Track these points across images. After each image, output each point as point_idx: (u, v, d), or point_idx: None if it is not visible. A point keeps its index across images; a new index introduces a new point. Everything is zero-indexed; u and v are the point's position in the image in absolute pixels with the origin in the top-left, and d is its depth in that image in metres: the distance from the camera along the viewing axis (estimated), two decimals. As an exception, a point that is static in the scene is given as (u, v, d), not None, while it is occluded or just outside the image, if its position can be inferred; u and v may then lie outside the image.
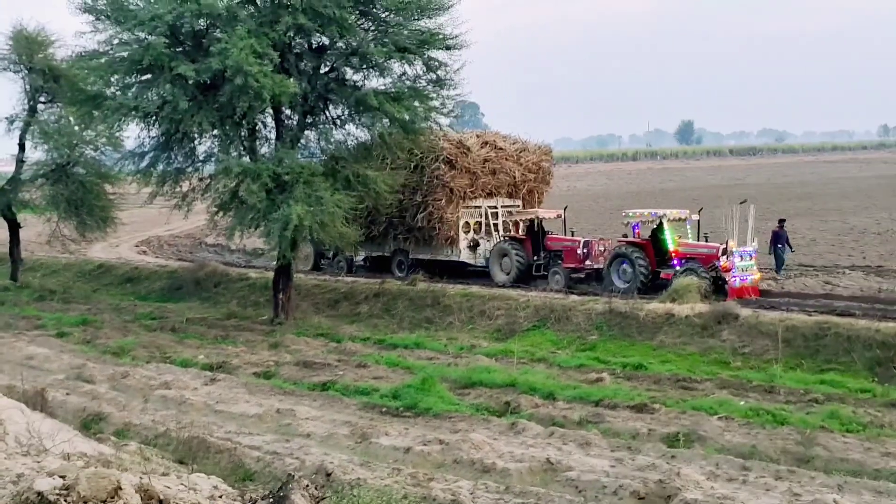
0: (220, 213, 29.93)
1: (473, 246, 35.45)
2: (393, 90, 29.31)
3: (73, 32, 29.07)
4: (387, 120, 29.34)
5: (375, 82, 29.84)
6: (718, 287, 28.58)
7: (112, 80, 28.68)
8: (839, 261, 35.28)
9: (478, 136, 36.78)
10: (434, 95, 30.19)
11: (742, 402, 19.33)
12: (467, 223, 35.38)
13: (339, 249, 37.20)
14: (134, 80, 28.74)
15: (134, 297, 37.30)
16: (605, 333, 26.19)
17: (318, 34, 28.94)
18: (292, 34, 28.39)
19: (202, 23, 28.15)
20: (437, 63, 29.71)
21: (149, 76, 28.29)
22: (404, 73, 29.74)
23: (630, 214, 31.97)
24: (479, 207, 35.48)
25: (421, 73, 29.88)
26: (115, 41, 28.39)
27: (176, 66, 26.91)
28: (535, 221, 34.35)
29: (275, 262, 30.61)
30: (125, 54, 28.03)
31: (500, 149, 36.45)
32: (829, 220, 49.58)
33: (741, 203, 30.16)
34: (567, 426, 17.96)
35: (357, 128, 30.54)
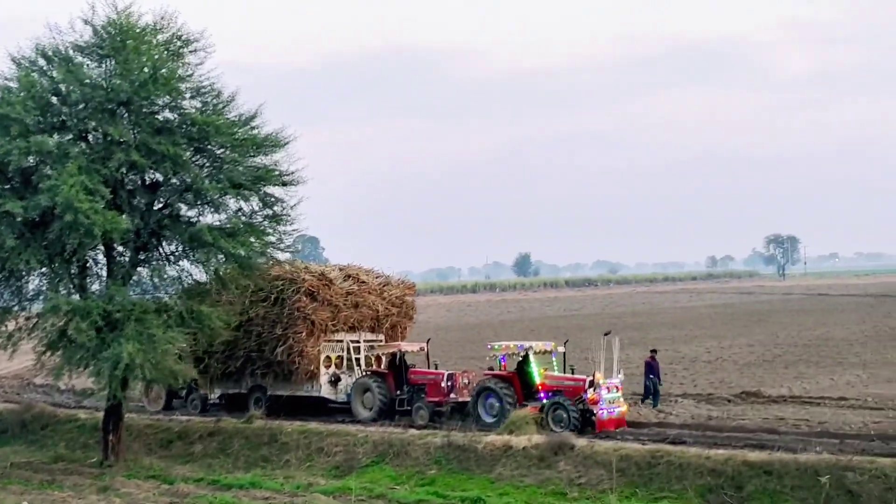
0: (48, 353, 28.96)
1: (335, 381, 34.33)
2: (228, 226, 29.20)
3: None
4: (222, 256, 29.10)
5: (210, 218, 29.69)
6: (586, 420, 28.37)
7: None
8: (671, 389, 36.04)
9: (340, 269, 36.14)
10: (271, 231, 30.20)
11: (580, 534, 19.43)
12: (329, 357, 34.32)
13: (192, 388, 36.38)
14: (-43, 216, 27.88)
15: (-46, 443, 35.57)
16: (444, 467, 26.09)
17: (151, 171, 28.77)
18: (125, 171, 28.18)
19: (31, 160, 27.65)
20: (273, 199, 29.83)
21: (-27, 213, 27.49)
22: (240, 209, 29.74)
23: (496, 347, 31.43)
24: (342, 341, 34.60)
25: (257, 208, 29.94)
26: (-61, 177, 27.64)
27: (3, 203, 26.40)
28: (398, 355, 33.72)
29: (105, 403, 29.70)
30: (-52, 191, 27.31)
31: (363, 282, 35.86)
32: (660, 348, 50.66)
33: (605, 335, 30.19)
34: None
35: (192, 264, 30.12)
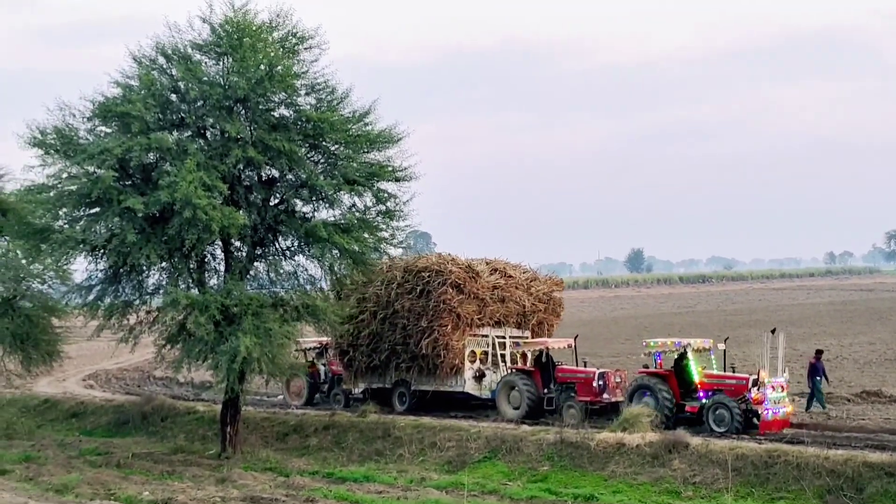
0: (168, 346, 29.69)
1: (479, 377, 33.67)
2: (342, 221, 29.48)
3: (21, 166, 29.15)
4: (336, 251, 29.38)
5: (325, 214, 30.01)
6: (748, 420, 27.65)
7: (60, 213, 28.64)
8: (791, 388, 35.33)
9: (486, 263, 35.53)
10: (384, 226, 30.39)
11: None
12: (473, 352, 33.75)
13: (335, 382, 36.79)
14: (82, 213, 28.66)
15: (79, 433, 36.67)
16: (557, 464, 25.98)
17: (267, 167, 29.22)
18: (242, 167, 28.69)
19: (151, 156, 28.26)
20: (386, 195, 30.01)
21: (97, 209, 28.24)
22: (354, 205, 30.00)
23: (652, 344, 30.56)
24: (486, 336, 33.92)
25: (370, 204, 30.16)
26: (64, 175, 28.46)
27: (125, 200, 27.02)
28: (545, 352, 32.90)
29: (223, 395, 30.26)
30: (74, 188, 28.14)
31: (510, 276, 35.30)
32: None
33: (772, 332, 29.33)
34: (518, 560, 17.68)
35: (307, 259, 30.50)
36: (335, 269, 30.16)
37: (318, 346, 38.05)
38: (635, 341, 53.56)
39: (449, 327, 32.81)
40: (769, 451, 23.64)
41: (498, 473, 26.13)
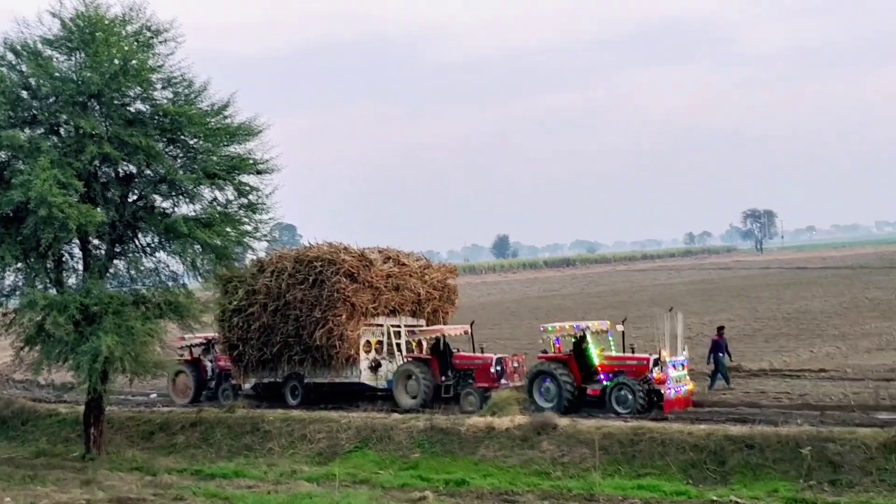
0: (27, 348, 28.86)
1: (375, 367, 33.16)
2: (203, 216, 29.06)
3: None
4: (198, 246, 28.97)
5: (185, 209, 29.51)
6: (651, 400, 27.79)
7: None
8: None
9: (379, 252, 34.96)
10: (246, 220, 30.02)
11: (562, 513, 19.50)
12: (368, 342, 33.20)
13: (223, 378, 36.02)
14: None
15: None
16: (427, 451, 26.10)
17: (124, 163, 28.58)
18: (98, 163, 28.02)
19: (3, 155, 27.49)
20: (248, 188, 29.66)
21: (-53, 210, 27.32)
22: (215, 199, 29.56)
23: (549, 328, 30.48)
24: (381, 326, 33.45)
25: (232, 197, 29.76)
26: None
27: (-24, 200, 26.17)
28: (441, 339, 32.68)
29: (86, 396, 29.60)
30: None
31: (404, 264, 34.85)
32: (641, 326, 50.79)
33: (669, 311, 29.64)
34: (391, 548, 17.74)
35: (168, 255, 29.95)
36: (197, 264, 29.70)
37: (205, 341, 37.28)
38: (503, 327, 54.21)
39: (343, 317, 32.24)
40: (635, 429, 24.14)
41: (369, 463, 26.14)
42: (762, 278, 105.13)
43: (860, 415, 25.24)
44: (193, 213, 29.27)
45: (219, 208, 29.46)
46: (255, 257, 34.00)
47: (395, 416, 28.91)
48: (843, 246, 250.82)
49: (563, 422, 25.45)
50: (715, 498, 19.79)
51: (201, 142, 28.99)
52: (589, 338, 29.67)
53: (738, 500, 19.33)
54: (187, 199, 29.40)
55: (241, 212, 29.85)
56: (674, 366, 27.95)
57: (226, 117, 29.05)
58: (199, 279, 30.88)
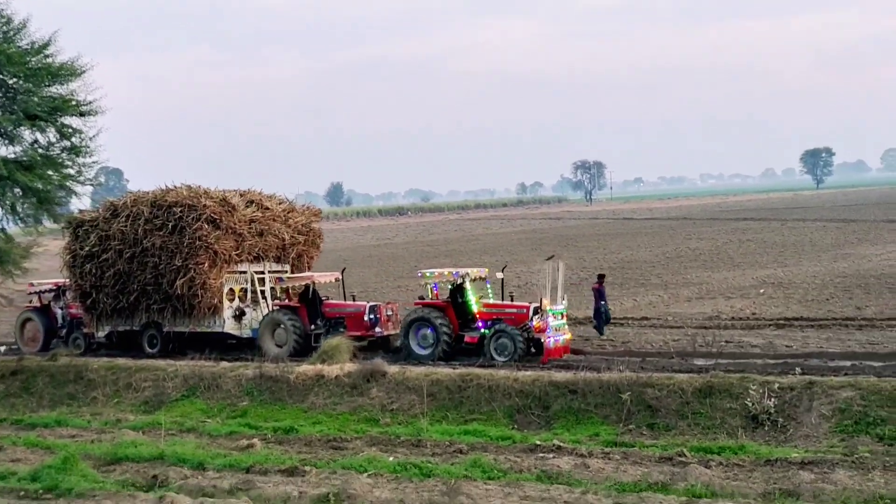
0: None
1: (239, 315, 32.05)
2: (24, 159, 28.14)
3: None
4: (18, 189, 28.03)
5: (4, 150, 28.53)
6: (528, 349, 27.68)
7: None
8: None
9: (241, 195, 33.51)
10: (69, 163, 29.15)
11: (391, 458, 19.64)
12: (232, 290, 32.01)
13: (74, 326, 34.55)
14: None
15: None
16: (256, 399, 25.93)
17: (-60, 102, 27.44)
18: (-90, 104, 26.81)
19: None
20: (70, 130, 28.83)
21: None
22: (36, 141, 28.70)
23: (428, 274, 30.07)
24: (245, 273, 32.35)
25: (54, 140, 28.92)
26: None
27: None
28: (310, 287, 31.78)
29: None
30: None
31: (267, 209, 33.54)
32: (520, 274, 51.18)
33: (548, 259, 29.39)
34: (217, 496, 17.61)
35: (-14, 198, 28.91)
36: (18, 209, 28.74)
37: (55, 287, 35.67)
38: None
39: (206, 265, 31.02)
40: (462, 376, 24.41)
41: (196, 411, 25.83)
42: (590, 228, 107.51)
43: (679, 361, 26.09)
44: (13, 156, 28.33)
45: (40, 151, 28.60)
46: (107, 200, 32.78)
47: (224, 364, 28.46)
48: (668, 198, 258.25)
49: (393, 369, 25.59)
50: (539, 442, 20.20)
51: (21, 82, 28.04)
52: (468, 285, 29.41)
53: (561, 444, 19.77)
54: (7, 141, 28.49)
55: (64, 155, 29.00)
56: (553, 314, 27.79)
57: (47, 56, 28.11)
58: (20, 224, 29.91)
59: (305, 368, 26.37)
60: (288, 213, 34.45)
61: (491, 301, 29.56)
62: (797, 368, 23.62)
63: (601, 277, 33.25)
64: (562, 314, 28.19)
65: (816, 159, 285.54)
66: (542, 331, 27.40)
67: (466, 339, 28.76)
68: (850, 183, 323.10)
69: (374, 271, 59.58)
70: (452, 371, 25.26)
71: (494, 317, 28.57)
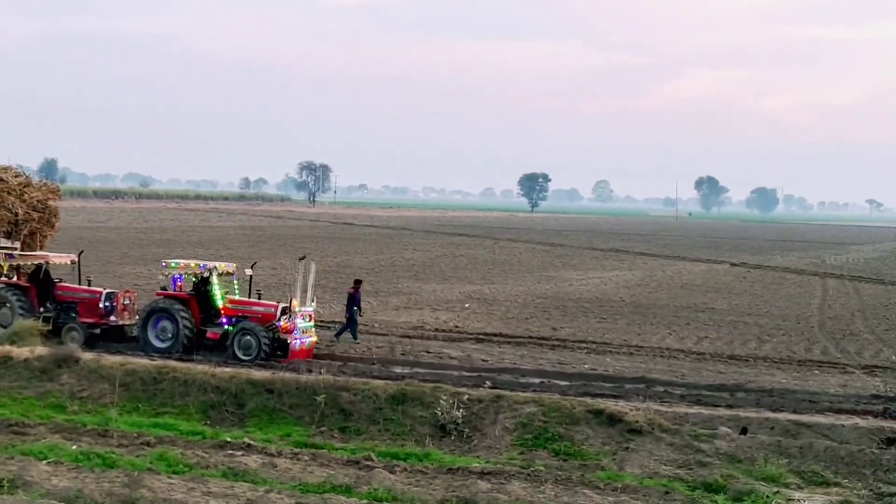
0: None
1: None
2: None
3: None
4: None
5: None
6: (273, 348, 27.28)
7: None
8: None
9: None
10: None
11: (74, 447, 19.03)
12: None
13: None
14: None
15: None
16: (-67, 378, 24.55)
17: None
18: None
19: None
20: None
21: None
22: None
23: (172, 265, 29.01)
24: None
25: None
26: None
27: None
28: (42, 267, 30.01)
29: None
30: None
31: (1, 180, 31.69)
32: (267, 269, 50.28)
33: (300, 259, 28.88)
34: None
35: None
36: None
37: None
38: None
39: None
40: (159, 368, 23.96)
41: None
42: (310, 230, 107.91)
43: (379, 367, 26.66)
44: None
45: None
46: None
47: None
48: (390, 206, 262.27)
49: (88, 356, 24.82)
50: (229, 439, 20.04)
51: None
52: (214, 279, 28.78)
53: (251, 442, 19.69)
54: None
55: None
56: (302, 316, 27.74)
57: None
58: None
59: (-11, 349, 25.19)
60: (24, 187, 32.92)
61: (237, 298, 29.15)
62: (487, 382, 24.59)
63: (358, 283, 33.20)
64: (310, 316, 28.25)
65: (533, 183, 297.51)
66: (290, 332, 27.41)
67: (209, 334, 28.29)
68: (562, 209, 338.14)
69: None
70: (149, 362, 24.78)
71: (240, 314, 28.23)
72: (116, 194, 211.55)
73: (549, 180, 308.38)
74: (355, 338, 31.22)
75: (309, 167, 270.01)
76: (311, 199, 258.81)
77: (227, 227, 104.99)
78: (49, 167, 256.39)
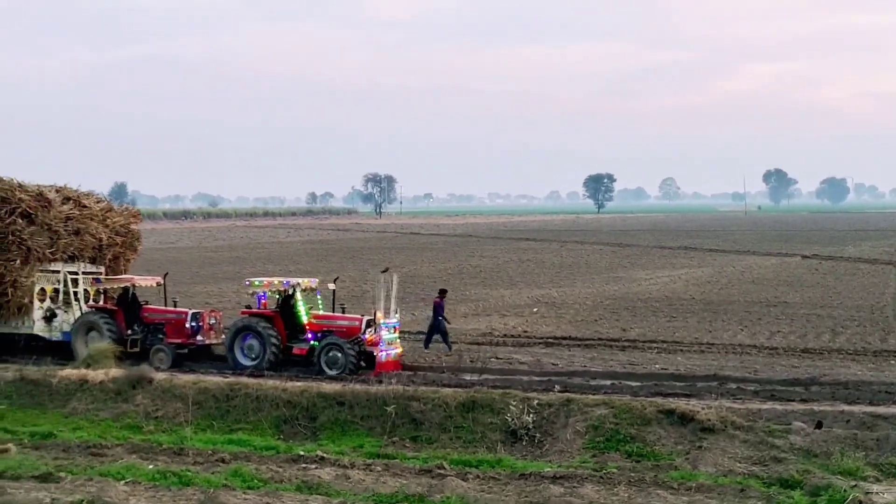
0: None
1: (50, 317, 30.54)
2: None
3: None
4: None
5: None
6: (359, 362, 27.32)
7: None
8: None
9: (57, 191, 31.95)
10: None
11: (151, 466, 19.28)
12: (43, 290, 30.41)
13: None
14: None
15: None
16: (16, 402, 24.97)
17: None
18: None
19: None
20: None
21: None
22: None
23: (256, 283, 29.29)
24: (58, 272, 30.75)
25: None
26: None
27: None
28: (129, 290, 30.53)
29: None
30: None
31: (84, 206, 32.12)
32: (350, 284, 50.73)
33: (383, 272, 29.00)
34: (-35, 502, 16.95)
35: None
36: None
37: None
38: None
39: (18, 262, 29.60)
40: (231, 385, 24.23)
41: (-54, 415, 24.76)
42: (377, 241, 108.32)
43: (449, 375, 26.66)
44: None
45: None
46: None
47: (-16, 366, 27.36)
48: (456, 214, 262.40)
49: (160, 376, 25.17)
50: (303, 452, 20.20)
51: None
52: (298, 295, 28.92)
53: (324, 455, 19.82)
54: None
55: None
56: (386, 328, 27.69)
57: None
58: None
59: (69, 372, 25.66)
60: (106, 212, 33.42)
61: (321, 312, 29.19)
62: (556, 386, 24.50)
63: (443, 292, 33.20)
64: (394, 328, 28.24)
65: (599, 184, 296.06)
66: (375, 344, 27.34)
67: (295, 350, 28.35)
68: (629, 208, 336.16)
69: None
70: (221, 380, 25.06)
71: (325, 328, 28.16)
72: (186, 215, 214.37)
73: (615, 180, 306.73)
74: (449, 347, 30.99)
75: (374, 179, 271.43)
76: (378, 210, 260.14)
77: (295, 243, 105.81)
78: (119, 191, 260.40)
